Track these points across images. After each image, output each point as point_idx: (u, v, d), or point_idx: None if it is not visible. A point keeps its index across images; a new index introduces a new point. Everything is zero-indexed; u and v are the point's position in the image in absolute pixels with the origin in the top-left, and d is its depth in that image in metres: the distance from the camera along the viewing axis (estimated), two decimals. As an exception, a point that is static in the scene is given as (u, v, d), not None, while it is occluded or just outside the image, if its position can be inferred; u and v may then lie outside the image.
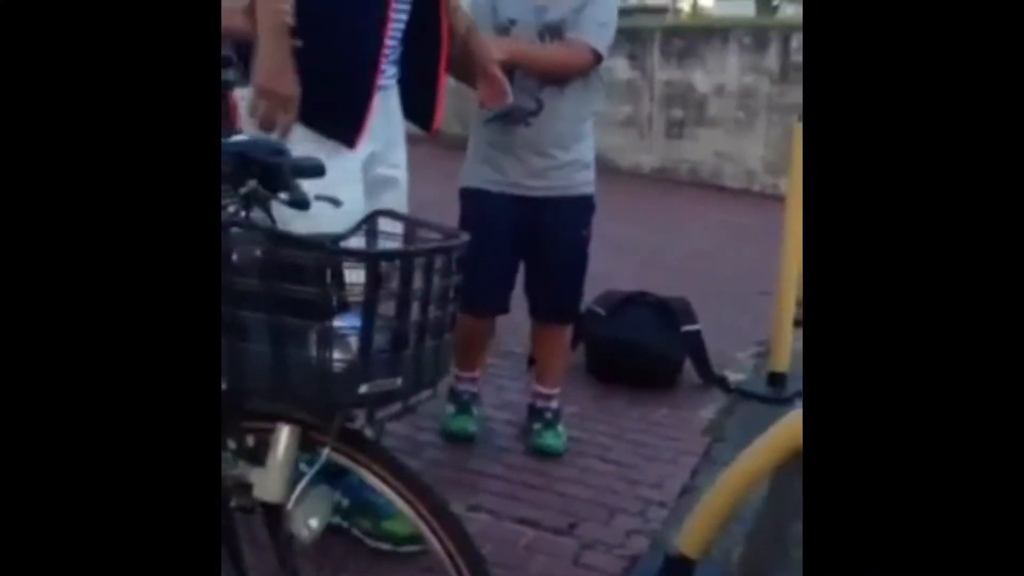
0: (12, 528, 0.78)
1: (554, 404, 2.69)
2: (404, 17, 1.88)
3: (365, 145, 1.84)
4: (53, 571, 0.79)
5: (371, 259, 1.09)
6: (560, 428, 2.67)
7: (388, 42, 1.83)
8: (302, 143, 1.65)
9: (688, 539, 1.94)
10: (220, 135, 1.07)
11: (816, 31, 0.91)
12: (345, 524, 2.01)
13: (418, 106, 1.99)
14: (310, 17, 1.67)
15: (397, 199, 1.96)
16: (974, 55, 0.86)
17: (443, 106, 2.00)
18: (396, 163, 1.99)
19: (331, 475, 1.80)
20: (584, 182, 2.52)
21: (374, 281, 1.05)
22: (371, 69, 1.80)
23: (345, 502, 1.98)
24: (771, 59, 7.22)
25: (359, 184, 1.82)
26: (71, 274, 0.82)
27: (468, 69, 2.11)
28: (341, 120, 1.79)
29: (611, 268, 4.27)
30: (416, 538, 1.84)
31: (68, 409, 0.81)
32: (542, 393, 2.70)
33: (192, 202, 0.87)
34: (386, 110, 1.90)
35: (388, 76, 1.90)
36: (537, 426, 2.66)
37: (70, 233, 0.82)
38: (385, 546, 1.99)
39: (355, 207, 1.61)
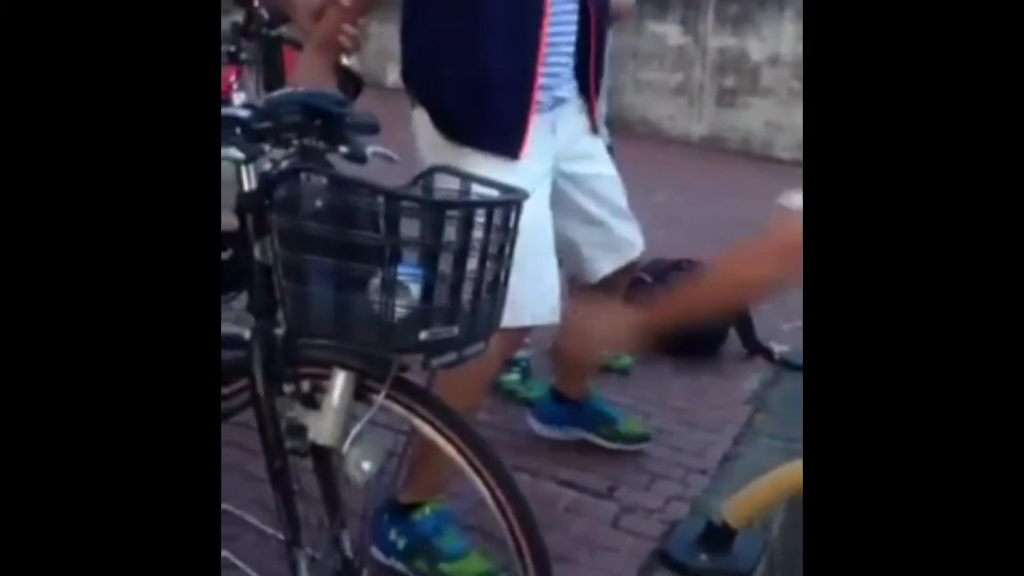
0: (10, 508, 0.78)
1: None
2: (568, 29, 1.87)
3: (538, 157, 1.85)
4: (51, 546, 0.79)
5: (437, 207, 1.10)
6: None
7: (544, 51, 1.81)
8: (473, 163, 1.66)
9: (735, 511, 1.94)
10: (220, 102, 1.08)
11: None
12: (401, 566, 1.84)
13: None
14: (467, 33, 1.74)
15: (611, 189, 2.06)
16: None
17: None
18: (586, 154, 2.02)
19: (392, 513, 1.81)
20: None
21: (438, 229, 1.06)
22: (529, 79, 1.80)
23: (402, 542, 1.83)
24: (829, 29, 7.06)
25: (539, 195, 1.82)
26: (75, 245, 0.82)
27: None
28: (502, 134, 1.81)
29: (658, 236, 4.21)
30: None
31: (68, 375, 0.81)
32: None
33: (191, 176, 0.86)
34: (558, 129, 1.92)
35: (559, 91, 1.90)
36: None
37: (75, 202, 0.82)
38: None
39: (538, 219, 1.74)
